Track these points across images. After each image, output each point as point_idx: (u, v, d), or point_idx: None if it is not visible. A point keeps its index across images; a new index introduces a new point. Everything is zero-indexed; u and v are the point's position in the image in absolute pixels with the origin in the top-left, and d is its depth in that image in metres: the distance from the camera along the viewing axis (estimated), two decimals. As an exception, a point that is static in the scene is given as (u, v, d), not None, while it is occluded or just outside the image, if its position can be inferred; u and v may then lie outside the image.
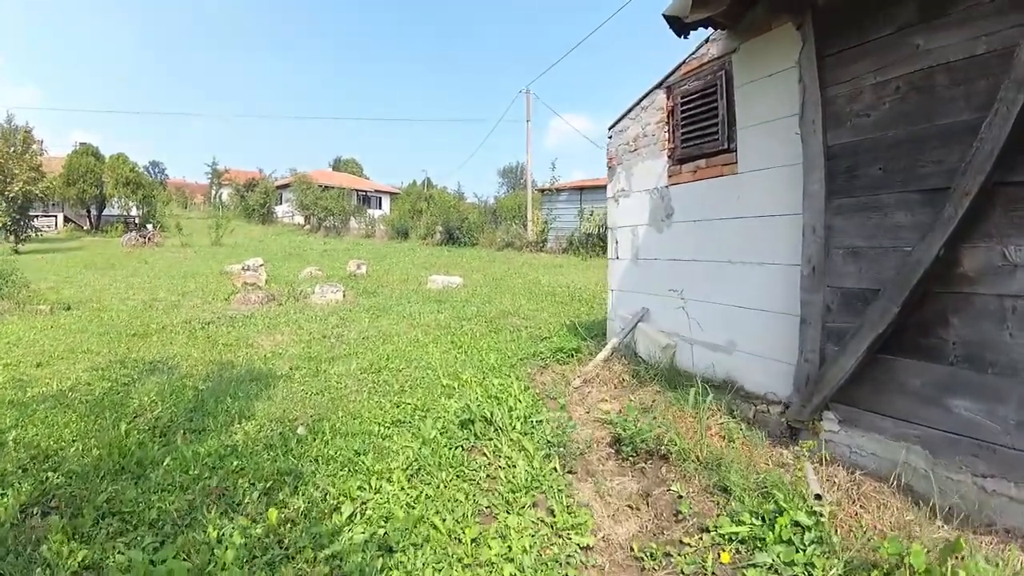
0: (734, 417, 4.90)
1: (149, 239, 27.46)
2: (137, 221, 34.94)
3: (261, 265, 14.88)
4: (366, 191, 55.30)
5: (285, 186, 47.84)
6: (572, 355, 7.18)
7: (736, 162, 5.49)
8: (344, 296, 11.82)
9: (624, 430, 4.55)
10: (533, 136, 29.42)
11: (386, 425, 4.75)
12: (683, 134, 6.20)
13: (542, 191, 28.09)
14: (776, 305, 4.97)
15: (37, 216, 33.53)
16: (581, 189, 26.52)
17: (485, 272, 17.56)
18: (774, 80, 5.00)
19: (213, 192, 56.44)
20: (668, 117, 6.49)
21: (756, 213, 5.25)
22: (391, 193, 56.55)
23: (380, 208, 53.39)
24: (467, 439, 4.52)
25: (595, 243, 23.61)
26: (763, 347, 5.05)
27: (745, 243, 5.37)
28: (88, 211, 38.10)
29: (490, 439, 4.50)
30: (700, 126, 5.97)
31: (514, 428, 4.63)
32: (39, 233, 28.35)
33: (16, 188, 23.74)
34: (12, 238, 24.24)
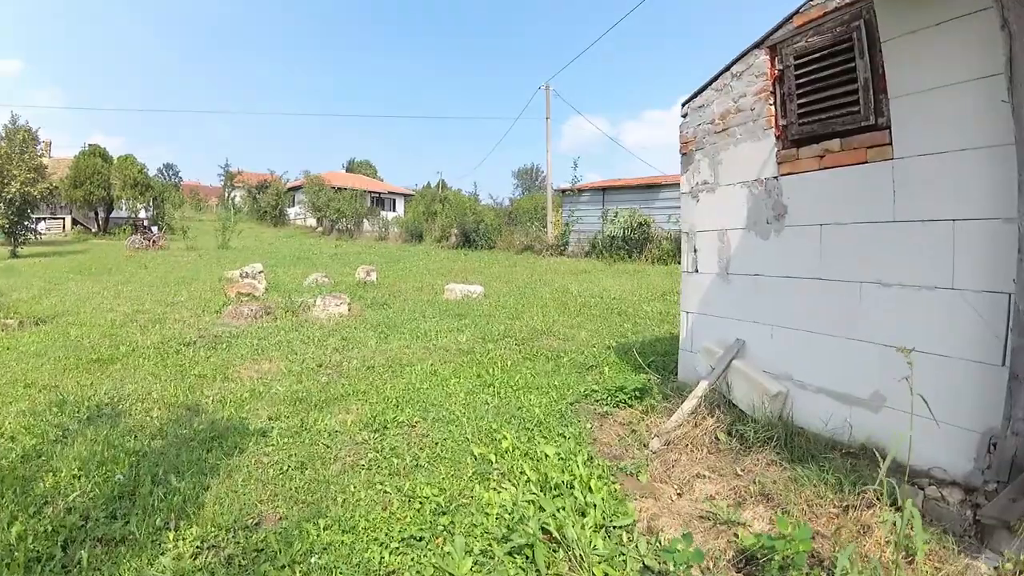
0: (898, 508, 3.22)
1: (154, 242, 26.06)
2: (145, 224, 33.63)
3: (260, 272, 13.31)
4: (379, 193, 53.83)
5: (297, 187, 46.55)
6: (636, 397, 5.49)
7: (890, 143, 3.82)
8: (349, 309, 10.19)
9: (766, 552, 2.87)
10: (550, 137, 27.77)
11: (392, 547, 3.04)
12: (801, 106, 4.55)
13: (562, 191, 26.34)
14: (957, 348, 3.41)
15: (43, 218, 32.49)
16: (604, 189, 24.78)
17: (507, 279, 15.88)
18: (948, 30, 3.39)
19: (226, 194, 55.34)
20: (775, 85, 4.82)
21: (924, 216, 3.60)
22: (405, 195, 55.09)
23: (394, 210, 51.95)
24: (524, 580, 2.83)
25: (619, 246, 21.93)
26: (933, 406, 3.36)
27: (904, 258, 3.72)
28: (96, 213, 36.87)
29: (559, 576, 2.82)
30: (827, 95, 4.32)
31: (594, 549, 2.94)
32: (39, 236, 26.97)
33: (13, 189, 22.36)
34: (11, 241, 22.90)
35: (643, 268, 19.21)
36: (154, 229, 30.73)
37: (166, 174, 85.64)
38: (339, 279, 14.81)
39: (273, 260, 20.92)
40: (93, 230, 37.01)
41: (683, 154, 5.80)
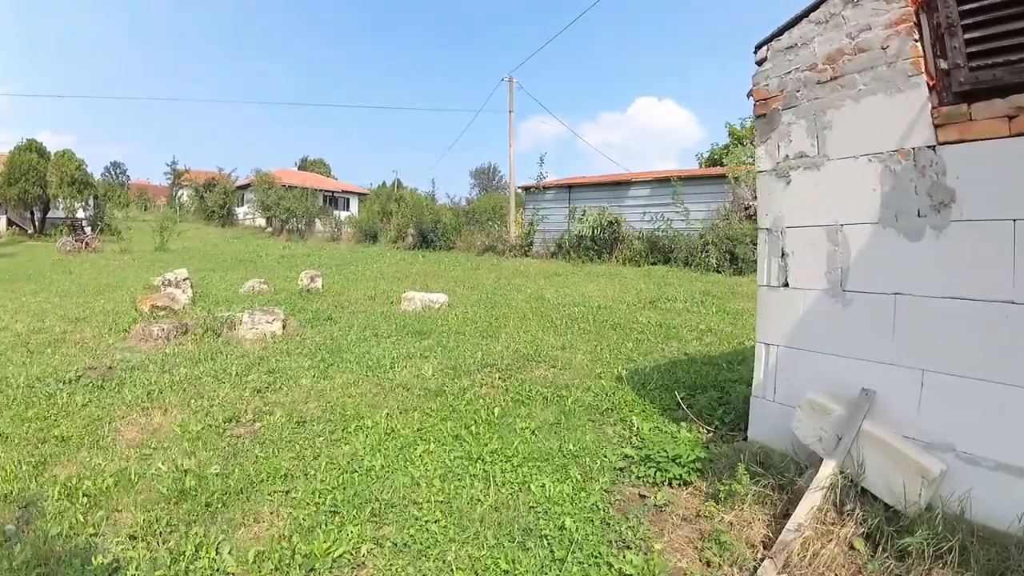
0: None
1: (87, 244, 23.19)
2: (84, 224, 30.34)
3: (185, 279, 11.03)
4: (332, 191, 51.17)
5: (246, 186, 43.59)
6: (695, 471, 3.70)
7: None
8: (284, 327, 8.13)
9: None
10: (508, 136, 25.96)
11: None
12: (972, 42, 2.91)
13: (525, 189, 24.50)
14: None
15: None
16: (570, 187, 23.05)
17: (472, 284, 13.93)
18: None
19: (173, 193, 51.80)
20: (920, 12, 3.14)
21: None
22: (359, 194, 52.50)
23: (348, 209, 49.33)
24: None
25: (588, 247, 20.28)
26: None
27: None
28: (32, 213, 33.20)
29: None
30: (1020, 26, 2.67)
31: None
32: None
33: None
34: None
35: (616, 270, 17.56)
36: (87, 230, 27.62)
37: (113, 173, 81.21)
38: (280, 286, 12.63)
39: (212, 264, 18.64)
40: (29, 231, 33.37)
41: (760, 116, 4.01)
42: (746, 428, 4.34)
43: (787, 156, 3.82)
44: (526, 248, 22.74)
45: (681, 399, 5.07)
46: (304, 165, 73.09)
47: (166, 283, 10.85)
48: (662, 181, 20.39)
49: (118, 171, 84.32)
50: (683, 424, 4.64)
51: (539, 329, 8.46)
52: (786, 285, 3.84)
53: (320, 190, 46.75)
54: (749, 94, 4.13)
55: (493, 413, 4.88)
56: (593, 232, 20.16)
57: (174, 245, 25.05)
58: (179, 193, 51.14)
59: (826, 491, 3.04)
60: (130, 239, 26.16)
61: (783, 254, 3.86)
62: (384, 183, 55.59)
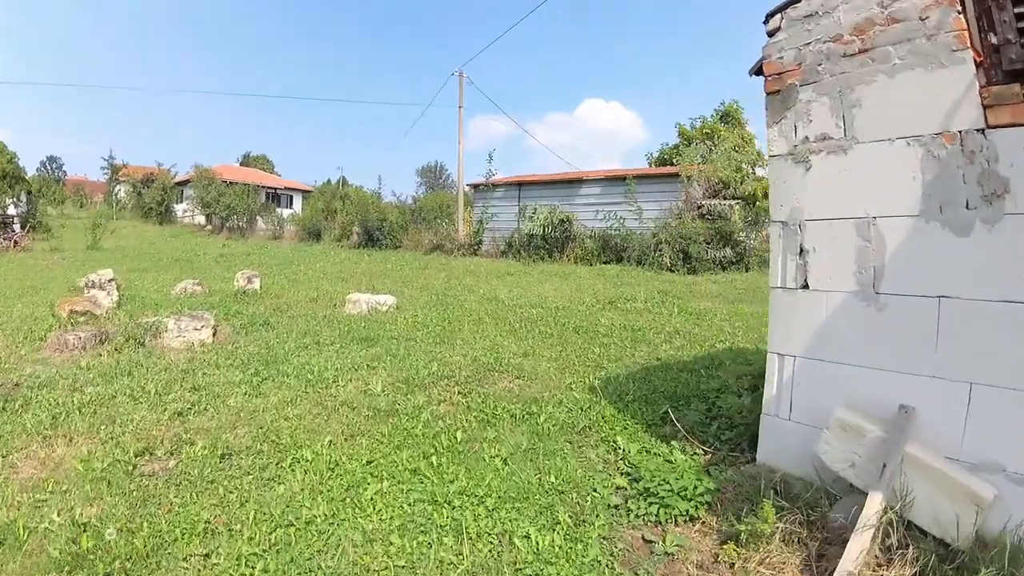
0: None
1: (16, 243, 21.28)
2: (14, 221, 27.92)
3: (111, 280, 9.94)
4: (276, 188, 49.15)
5: (186, 182, 41.34)
6: (703, 503, 3.17)
7: None
8: (215, 334, 7.28)
9: None
10: (456, 135, 25.26)
11: None
12: None
13: (474, 187, 23.83)
14: None
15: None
16: (520, 184, 22.55)
17: (421, 284, 13.20)
18: None
19: (111, 190, 48.77)
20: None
21: None
22: (303, 191, 50.64)
23: (291, 207, 47.39)
24: None
25: (539, 245, 19.80)
26: None
27: None
28: None
29: None
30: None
31: None
32: None
33: None
34: None
35: (569, 269, 17.11)
36: (16, 228, 25.42)
37: (48, 168, 77.04)
38: (217, 287, 11.62)
39: (145, 263, 17.29)
40: (-42, 230, 30.64)
41: (772, 92, 3.48)
42: (751, 448, 3.86)
43: (806, 138, 3.31)
44: (475, 247, 22.10)
45: (666, 412, 4.57)
46: (247, 161, 70.55)
47: (89, 284, 9.75)
48: (614, 179, 20.08)
49: (54, 166, 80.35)
50: (674, 444, 4.11)
51: (497, 333, 7.85)
52: (806, 287, 3.34)
53: (263, 187, 44.84)
54: (756, 70, 3.62)
55: (455, 438, 4.22)
56: (544, 231, 19.69)
57: (108, 243, 23.38)
58: (116, 189, 48.37)
59: (876, 530, 2.54)
60: (62, 237, 24.34)
61: (802, 251, 3.35)
62: (329, 180, 53.99)
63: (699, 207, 18.28)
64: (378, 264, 17.96)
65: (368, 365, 6.13)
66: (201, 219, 38.21)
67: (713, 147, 20.03)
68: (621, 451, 4.08)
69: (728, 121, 28.56)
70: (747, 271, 16.97)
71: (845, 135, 3.16)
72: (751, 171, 21.97)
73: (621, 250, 18.17)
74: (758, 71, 3.68)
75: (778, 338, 3.53)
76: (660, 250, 17.10)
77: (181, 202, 42.41)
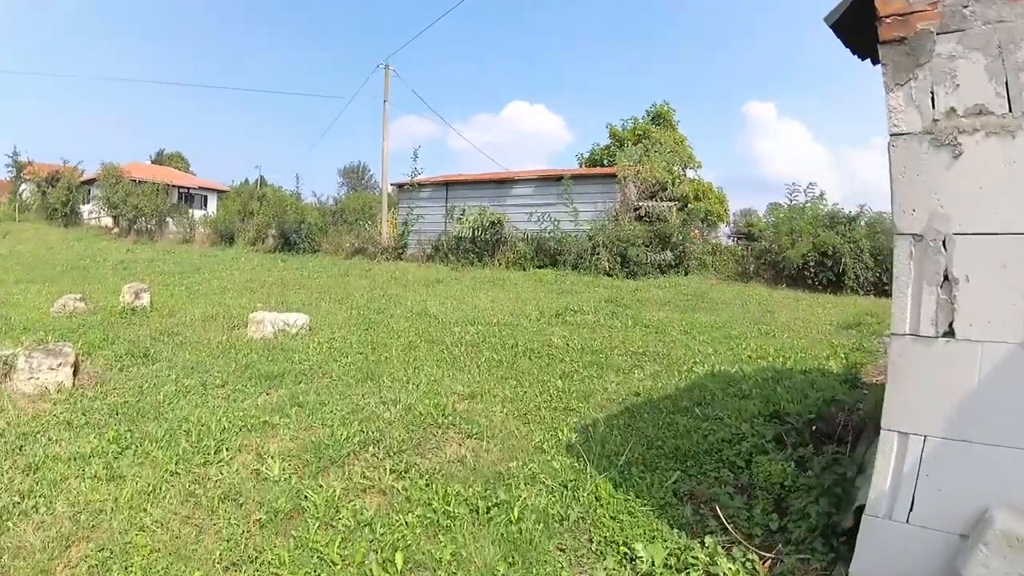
0: None
1: None
2: None
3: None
4: (189, 188, 45.25)
5: (92, 181, 37.18)
6: None
7: None
8: (76, 373, 5.44)
9: None
10: (379, 137, 23.53)
11: None
12: None
13: (399, 187, 21.99)
14: None
15: None
16: (448, 184, 20.95)
17: (340, 295, 11.42)
18: None
19: (17, 189, 43.44)
20: None
21: None
22: (219, 191, 46.87)
23: (205, 208, 43.68)
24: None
25: (468, 249, 18.35)
26: None
27: None
28: None
29: None
30: None
31: None
32: None
33: None
34: None
35: (502, 274, 15.74)
36: None
37: None
38: (104, 302, 9.50)
39: (36, 272, 14.85)
40: None
41: (890, 41, 2.20)
42: (826, 548, 2.61)
43: (952, 110, 2.03)
44: (400, 250, 20.38)
45: (677, 483, 3.27)
46: (160, 159, 65.19)
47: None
48: (547, 179, 18.84)
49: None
50: (708, 540, 2.80)
51: (433, 362, 6.33)
52: (950, 334, 2.08)
53: (175, 186, 41.01)
54: (846, 13, 2.34)
55: (394, 566, 2.75)
56: (474, 233, 18.21)
57: (3, 249, 20.75)
58: (21, 189, 43.26)
59: None
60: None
61: (946, 279, 2.09)
62: (247, 180, 50.45)
63: (636, 208, 17.34)
64: (293, 271, 15.98)
65: (266, 421, 4.45)
66: (108, 221, 34.56)
67: (650, 147, 19.16)
68: (641, 563, 2.73)
69: (660, 123, 27.95)
70: (687, 274, 16.09)
71: (1011, 110, 1.92)
72: (683, 173, 21.38)
73: (556, 253, 16.94)
74: (849, 15, 2.41)
75: (900, 407, 2.24)
76: (597, 253, 16.00)
77: (88, 203, 38.36)
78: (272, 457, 3.81)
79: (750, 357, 7.04)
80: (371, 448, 3.99)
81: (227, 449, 3.95)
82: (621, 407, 5.03)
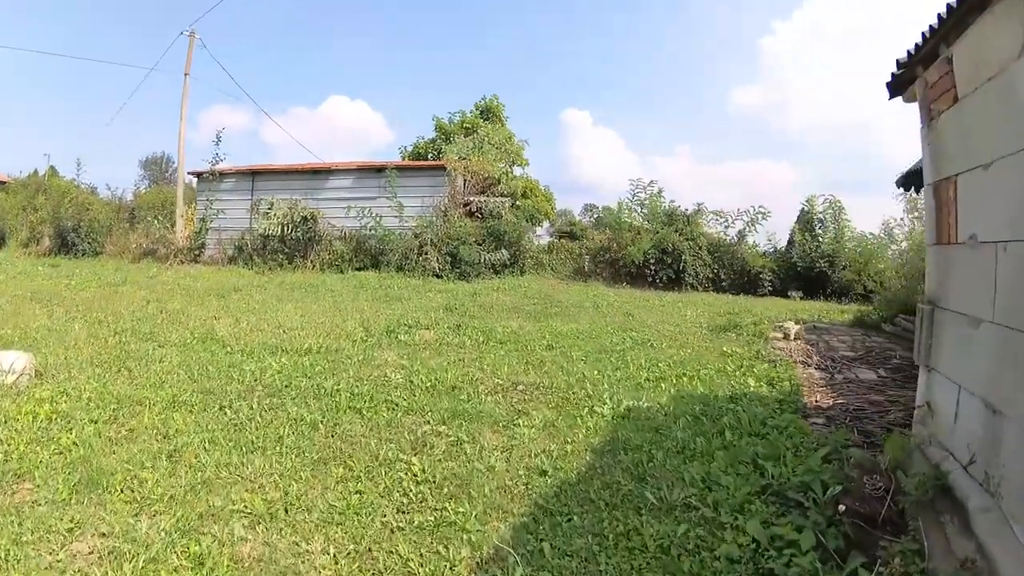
0: None
1: None
2: None
3: None
4: (-52, 179, 34.90)
5: None
6: None
7: None
8: None
9: None
10: (187, 97, 19.19)
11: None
12: None
13: (198, 175, 17.85)
14: None
15: None
16: (254, 174, 17.28)
17: (100, 316, 7.96)
18: None
19: None
20: None
21: None
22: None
23: (-22, 202, 33.81)
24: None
25: (277, 249, 15.22)
26: None
27: None
28: None
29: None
30: None
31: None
32: None
33: None
34: None
35: (316, 279, 12.97)
36: None
37: None
38: None
39: None
40: None
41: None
42: None
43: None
44: (197, 252, 16.57)
45: None
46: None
47: None
48: (368, 171, 16.20)
49: None
50: None
51: (207, 439, 3.77)
52: None
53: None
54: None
55: None
56: (283, 231, 15.12)
57: None
58: None
59: None
60: None
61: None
62: (36, 171, 40.30)
63: (466, 204, 15.44)
64: (60, 279, 11.74)
65: None
66: None
67: (483, 141, 17.29)
68: None
69: (489, 117, 26.14)
70: (523, 274, 14.52)
71: None
72: (511, 170, 19.95)
73: (379, 253, 14.49)
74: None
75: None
76: (425, 253, 13.84)
77: None
78: None
79: (648, 380, 5.40)
80: None
81: None
82: (528, 505, 2.99)
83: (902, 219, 13.42)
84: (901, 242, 13.78)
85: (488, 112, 26.14)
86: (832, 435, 3.78)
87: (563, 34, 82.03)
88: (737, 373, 5.79)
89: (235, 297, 10.18)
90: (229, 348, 6.24)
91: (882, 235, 14.81)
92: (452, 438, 3.86)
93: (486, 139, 17.20)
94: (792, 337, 7.69)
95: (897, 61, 3.45)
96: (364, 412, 4.28)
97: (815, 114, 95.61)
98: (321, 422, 4.05)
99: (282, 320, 7.88)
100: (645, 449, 3.66)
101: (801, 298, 14.04)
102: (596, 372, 5.62)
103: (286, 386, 4.83)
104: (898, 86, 3.65)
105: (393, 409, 4.38)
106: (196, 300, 9.65)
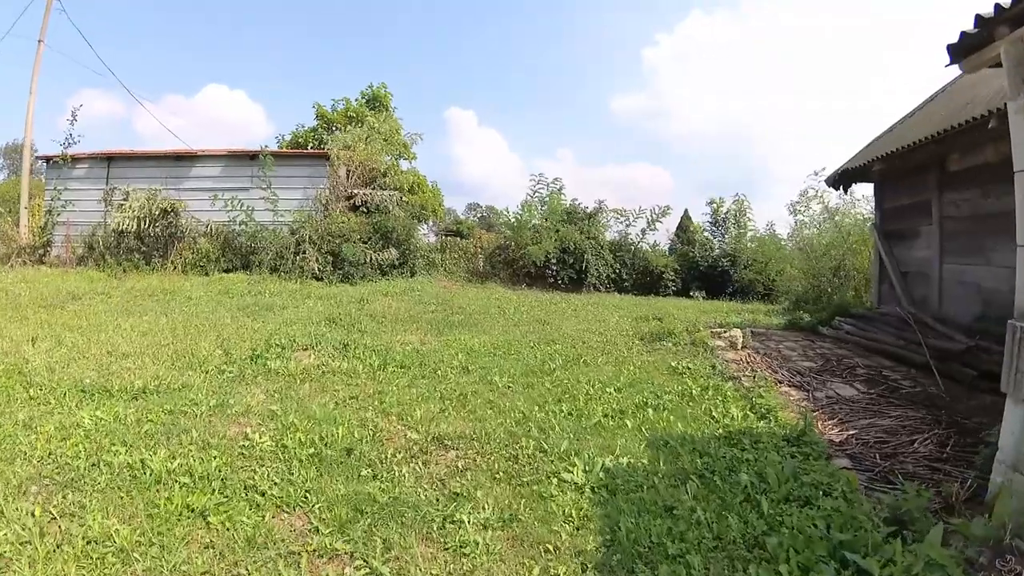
0: None
1: None
2: None
3: None
4: None
5: None
6: None
7: None
8: None
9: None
10: (39, 65, 16.02)
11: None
12: None
13: (47, 160, 14.95)
14: None
15: None
16: (110, 158, 14.41)
17: None
18: None
19: None
20: None
21: None
22: None
23: None
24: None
25: (133, 247, 13.02)
26: None
27: None
28: None
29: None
30: None
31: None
32: None
33: None
34: None
35: (175, 283, 11.02)
36: None
37: None
38: None
39: None
40: None
41: None
42: None
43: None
44: (43, 252, 13.87)
45: None
46: None
47: None
48: (240, 157, 14.12)
49: None
50: None
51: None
52: None
53: None
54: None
55: None
56: (140, 225, 12.93)
57: None
58: None
59: None
60: None
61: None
62: None
63: (350, 196, 13.97)
64: None
65: None
66: None
67: (371, 129, 15.74)
68: None
69: (376, 106, 24.18)
70: (413, 275, 13.29)
71: None
72: (397, 163, 18.56)
73: (250, 252, 12.61)
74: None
75: None
76: (303, 252, 12.24)
77: None
78: None
79: (605, 416, 4.35)
80: None
81: None
82: None
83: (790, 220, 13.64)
84: (785, 243, 14.07)
85: (375, 101, 24.15)
86: (906, 498, 2.79)
87: (449, 32, 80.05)
88: (705, 398, 4.92)
89: (70, 309, 8.23)
90: (33, 390, 4.65)
91: (765, 236, 15.15)
92: (360, 570, 2.49)
93: (374, 128, 15.70)
94: (740, 346, 7.04)
95: (978, 16, 2.71)
96: (210, 518, 2.79)
97: (693, 122, 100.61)
98: (135, 550, 2.52)
99: (116, 341, 6.20)
100: (671, 553, 2.52)
101: (704, 298, 13.93)
102: (537, 408, 4.50)
103: (93, 466, 3.26)
104: (967, 50, 2.92)
105: (257, 508, 2.92)
106: (16, 314, 7.68)
